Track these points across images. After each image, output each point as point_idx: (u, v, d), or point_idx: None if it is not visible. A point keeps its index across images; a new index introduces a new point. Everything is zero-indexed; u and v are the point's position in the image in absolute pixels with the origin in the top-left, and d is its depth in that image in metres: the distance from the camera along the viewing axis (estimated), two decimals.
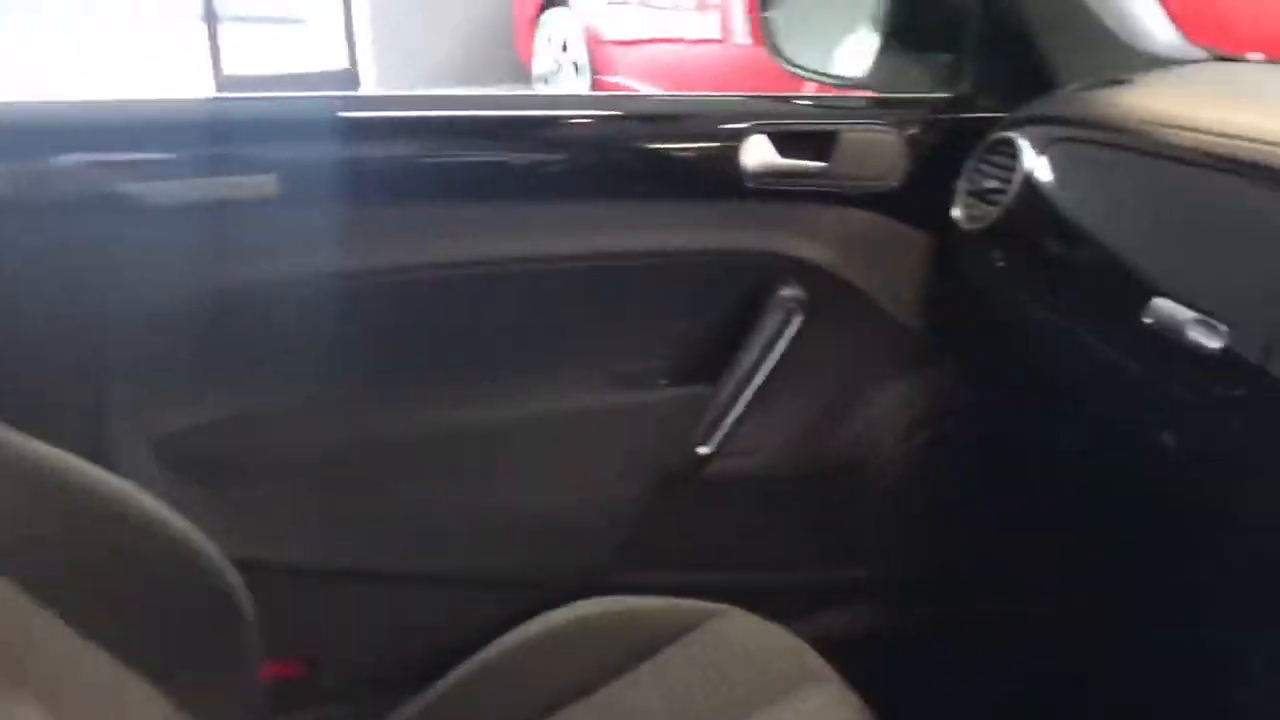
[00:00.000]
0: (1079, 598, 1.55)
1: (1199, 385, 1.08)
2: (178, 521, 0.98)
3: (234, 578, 1.01)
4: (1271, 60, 1.60)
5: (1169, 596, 1.43)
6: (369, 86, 7.28)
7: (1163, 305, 1.11)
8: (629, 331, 1.54)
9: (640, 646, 1.27)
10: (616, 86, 5.78)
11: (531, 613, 1.33)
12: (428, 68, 7.30)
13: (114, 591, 0.94)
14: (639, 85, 5.59)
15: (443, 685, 1.29)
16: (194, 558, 0.98)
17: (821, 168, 1.48)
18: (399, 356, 1.43)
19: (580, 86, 6.15)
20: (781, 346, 1.52)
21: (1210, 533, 1.31)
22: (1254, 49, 1.74)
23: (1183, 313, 1.08)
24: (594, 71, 6.07)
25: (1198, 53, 1.54)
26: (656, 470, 1.57)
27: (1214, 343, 1.04)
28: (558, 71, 6.53)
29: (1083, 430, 1.48)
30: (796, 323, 1.52)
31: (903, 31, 1.57)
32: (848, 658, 1.25)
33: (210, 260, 1.29)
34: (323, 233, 1.31)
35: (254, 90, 1.83)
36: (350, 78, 7.12)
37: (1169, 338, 1.10)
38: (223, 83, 6.64)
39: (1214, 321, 1.06)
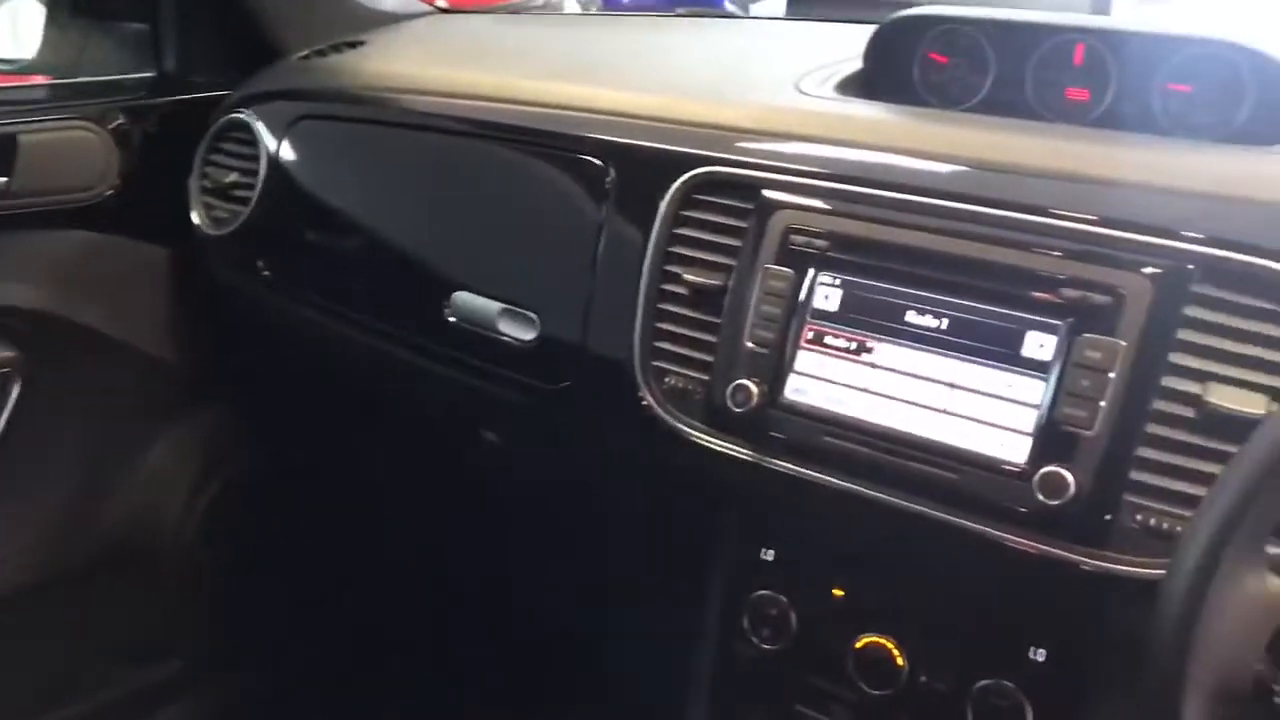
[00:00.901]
0: (442, 613, 1.43)
1: (515, 379, 0.97)
2: None
3: None
4: (494, 9, 1.57)
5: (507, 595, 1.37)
6: None
7: (464, 298, 0.97)
8: None
9: None
10: None
11: None
12: None
13: None
14: None
15: None
16: None
17: (4, 183, 1.11)
18: None
19: None
20: None
21: (544, 524, 1.26)
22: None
23: (486, 305, 0.95)
24: None
25: (422, 6, 1.43)
26: None
27: (526, 334, 0.93)
28: None
29: (401, 440, 1.33)
30: (14, 392, 1.14)
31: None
32: None
33: None
34: None
35: None
36: None
37: (477, 332, 0.97)
38: None
39: (522, 310, 0.94)
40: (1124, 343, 0.68)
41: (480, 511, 1.37)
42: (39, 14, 1.24)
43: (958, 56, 0.94)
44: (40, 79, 1.27)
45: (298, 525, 1.37)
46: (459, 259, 1.02)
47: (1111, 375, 0.68)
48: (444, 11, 1.50)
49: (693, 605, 0.98)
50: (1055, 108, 0.89)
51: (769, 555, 0.93)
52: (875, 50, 0.96)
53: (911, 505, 0.75)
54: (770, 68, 1.04)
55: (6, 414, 1.13)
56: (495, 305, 0.95)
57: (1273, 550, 0.57)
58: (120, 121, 1.21)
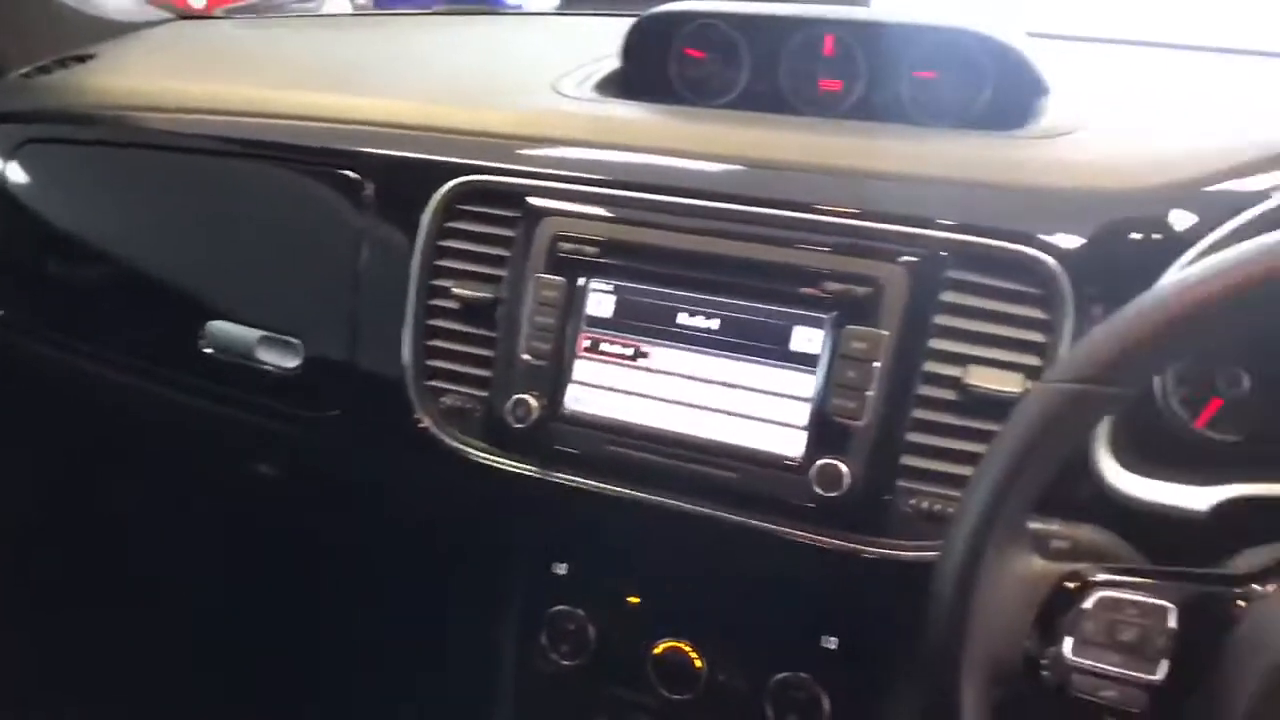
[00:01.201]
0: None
1: (280, 410, 0.91)
2: None
3: None
4: (237, 13, 1.47)
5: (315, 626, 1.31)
6: None
7: (220, 327, 0.91)
8: None
9: None
10: None
11: None
12: None
13: None
14: None
15: None
16: None
17: None
18: None
19: None
20: None
21: (332, 555, 1.20)
22: None
23: (244, 333, 0.89)
24: None
25: (159, 13, 1.33)
26: None
27: (289, 361, 0.88)
28: None
29: (169, 479, 1.25)
30: None
31: None
32: None
33: None
34: None
35: None
36: None
37: (236, 363, 0.90)
38: None
39: (283, 337, 0.89)
40: (886, 332, 0.69)
41: (263, 547, 1.30)
42: None
43: (713, 52, 0.93)
44: None
45: (53, 576, 1.27)
46: (210, 286, 0.95)
47: (876, 365, 0.69)
48: (187, 18, 1.40)
49: (492, 626, 0.96)
50: (810, 99, 0.90)
51: (562, 570, 0.91)
52: (632, 48, 0.94)
53: (695, 507, 0.74)
54: (531, 68, 1.01)
55: None
56: (254, 333, 0.89)
57: (1036, 526, 0.59)
58: None
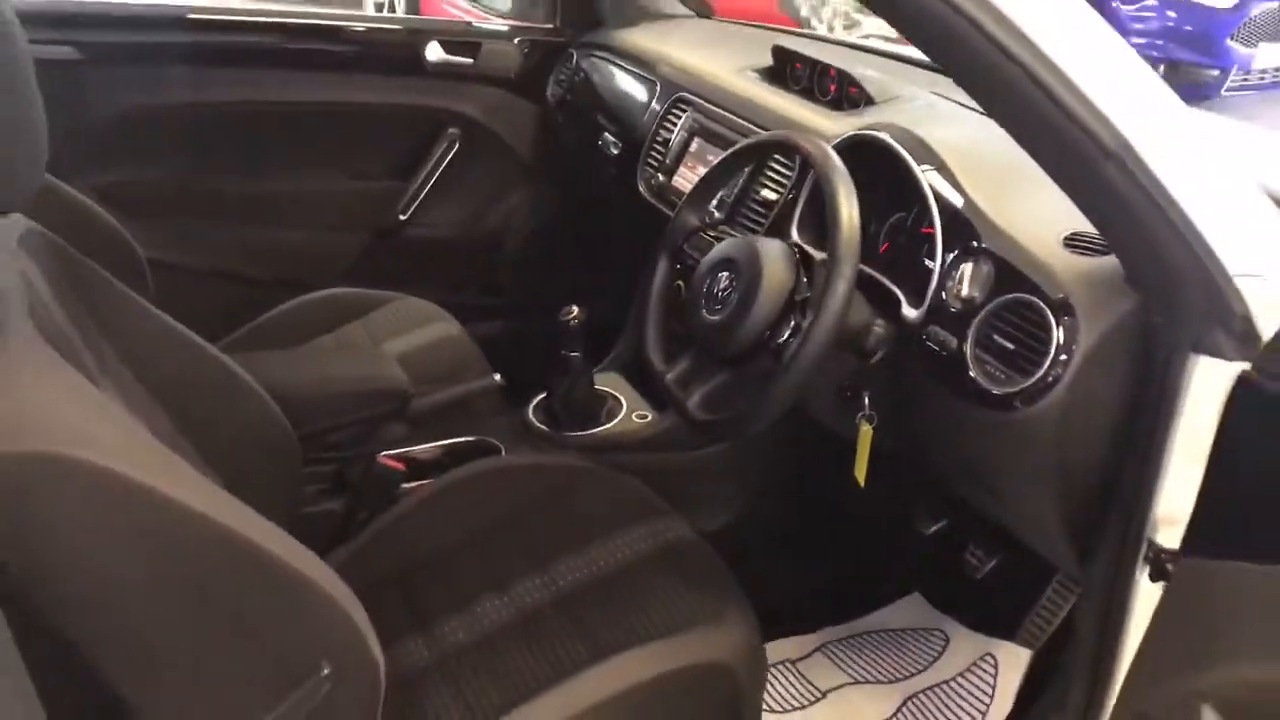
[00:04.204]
0: None
1: None
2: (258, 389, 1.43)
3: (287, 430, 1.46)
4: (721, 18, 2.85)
5: None
6: None
7: None
8: (359, 147, 2.65)
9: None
10: (435, 7, 6.64)
11: None
12: None
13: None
14: (449, 5, 6.41)
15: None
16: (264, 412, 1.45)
17: (472, 62, 2.66)
18: (240, 146, 2.50)
19: (400, 3, 6.99)
20: (447, 160, 2.69)
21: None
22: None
23: None
24: None
25: (683, 9, 2.77)
26: (371, 226, 2.71)
27: None
28: None
29: None
30: (455, 147, 2.69)
31: None
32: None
33: None
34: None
35: None
36: None
37: None
38: None
39: None
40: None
41: None
42: None
43: (801, 65, 2.14)
44: (505, 21, 2.81)
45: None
46: None
47: None
48: (704, 16, 2.80)
49: None
50: (839, 100, 2.06)
51: None
52: (774, 57, 2.17)
53: None
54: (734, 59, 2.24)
55: (451, 156, 2.71)
56: None
57: None
58: (526, 46, 2.74)
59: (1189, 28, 6.45)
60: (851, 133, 1.68)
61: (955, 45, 1.00)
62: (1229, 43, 6.43)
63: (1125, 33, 6.45)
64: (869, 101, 1.89)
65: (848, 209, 1.38)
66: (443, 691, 1.30)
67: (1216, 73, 6.46)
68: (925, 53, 1.10)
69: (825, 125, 1.81)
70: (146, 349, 1.27)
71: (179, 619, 0.94)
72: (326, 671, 1.04)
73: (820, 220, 1.44)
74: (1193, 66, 6.51)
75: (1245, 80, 6.58)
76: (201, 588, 0.94)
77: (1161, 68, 6.52)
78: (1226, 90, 6.52)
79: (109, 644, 0.90)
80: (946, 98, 1.82)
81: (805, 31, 3.07)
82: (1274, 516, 1.21)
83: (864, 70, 1.96)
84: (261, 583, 0.97)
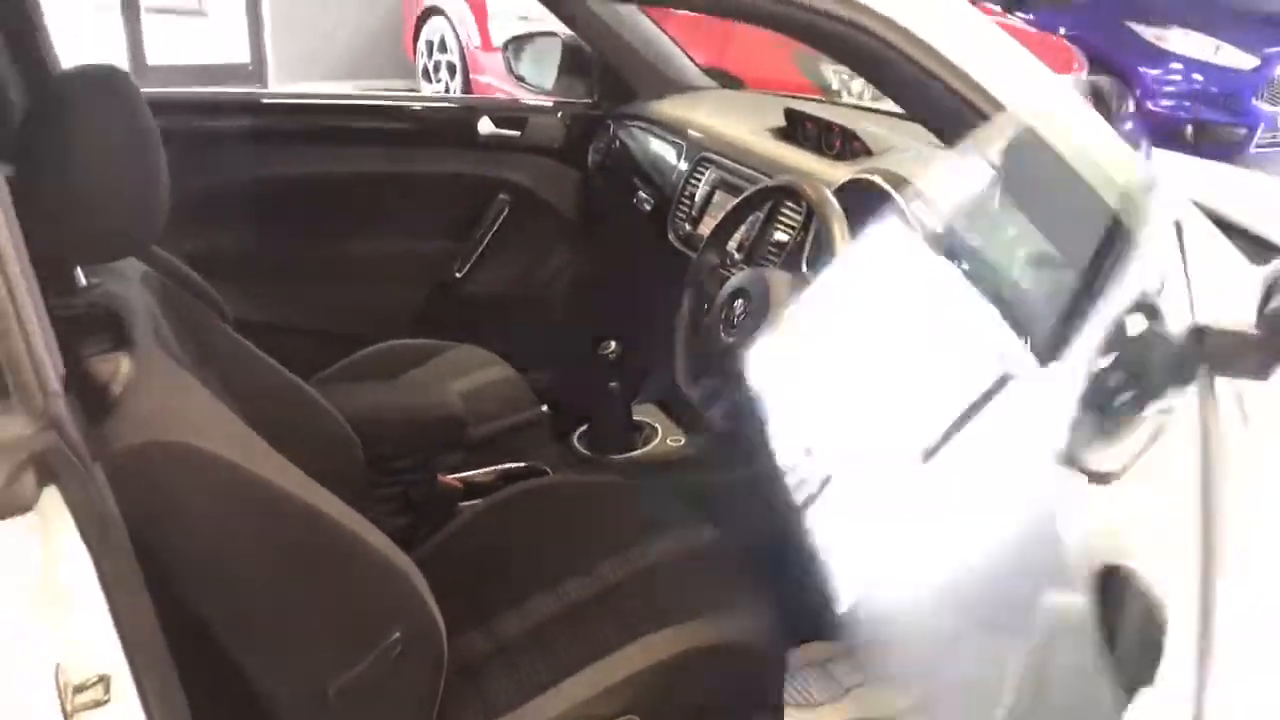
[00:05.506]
0: None
1: None
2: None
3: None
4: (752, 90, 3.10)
5: None
6: (273, 77, 8.30)
7: None
8: (419, 212, 2.86)
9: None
10: (485, 86, 7.01)
11: None
12: (326, 63, 7.81)
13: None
14: (499, 83, 6.74)
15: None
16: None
17: (520, 135, 2.91)
18: (313, 214, 2.76)
19: (454, 84, 7.40)
20: (499, 222, 2.92)
21: None
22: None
23: None
24: (467, 71, 7.35)
25: (709, 82, 3.03)
26: (431, 284, 2.92)
27: None
28: (437, 69, 7.80)
29: None
30: (506, 211, 2.92)
31: (568, 67, 3.01)
32: None
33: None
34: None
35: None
36: (257, 72, 7.87)
37: None
38: (145, 72, 7.24)
39: None
40: None
41: None
42: (555, 71, 3.09)
43: (810, 126, 2.39)
44: (548, 97, 3.11)
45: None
46: None
47: None
48: (726, 87, 3.04)
49: None
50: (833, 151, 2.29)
51: None
52: (787, 119, 2.42)
53: None
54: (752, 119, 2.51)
55: (502, 219, 2.93)
56: None
57: None
58: (569, 119, 3.05)
59: (1215, 89, 6.64)
60: (848, 177, 1.90)
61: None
62: (1255, 102, 6.60)
63: (1153, 96, 6.68)
64: (868, 153, 2.12)
65: (841, 240, 1.60)
66: (497, 671, 1.46)
67: (1244, 131, 6.63)
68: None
69: (828, 173, 2.03)
70: (242, 376, 1.46)
71: (279, 585, 1.14)
72: (397, 635, 1.24)
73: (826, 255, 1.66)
74: (1221, 126, 6.64)
75: (1274, 138, 6.74)
76: (297, 558, 1.14)
77: (1190, 128, 6.70)
78: (1255, 148, 6.68)
79: (219, 607, 1.09)
80: (939, 147, 2.04)
81: (814, 97, 3.33)
82: None
83: (866, 126, 2.19)
84: (346, 556, 1.18)
